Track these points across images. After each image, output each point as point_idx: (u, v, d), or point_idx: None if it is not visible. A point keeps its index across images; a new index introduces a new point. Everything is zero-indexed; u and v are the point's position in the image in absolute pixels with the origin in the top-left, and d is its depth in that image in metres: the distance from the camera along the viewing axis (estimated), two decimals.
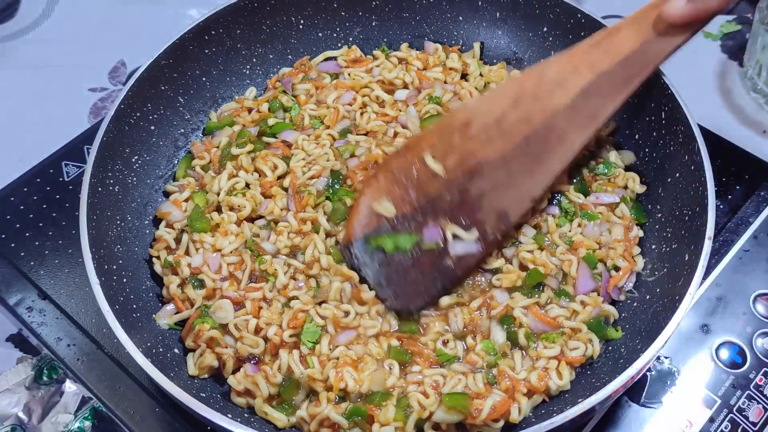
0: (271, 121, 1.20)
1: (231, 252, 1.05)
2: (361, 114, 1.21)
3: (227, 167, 1.14)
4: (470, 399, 0.91)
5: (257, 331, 0.98)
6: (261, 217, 1.09)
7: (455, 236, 1.00)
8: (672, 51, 0.98)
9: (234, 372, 0.98)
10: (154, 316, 1.03)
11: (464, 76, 1.29)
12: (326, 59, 1.31)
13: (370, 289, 0.99)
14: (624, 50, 0.98)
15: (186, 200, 1.12)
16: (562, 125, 1.00)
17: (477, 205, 1.00)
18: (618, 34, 0.99)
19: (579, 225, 1.08)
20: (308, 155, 1.15)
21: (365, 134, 1.19)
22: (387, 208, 1.01)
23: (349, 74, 1.27)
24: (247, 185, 1.12)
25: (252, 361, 0.97)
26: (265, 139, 1.19)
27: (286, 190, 1.10)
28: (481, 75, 1.28)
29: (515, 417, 0.92)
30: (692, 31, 0.96)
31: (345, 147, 1.15)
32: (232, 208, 1.10)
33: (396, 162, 1.04)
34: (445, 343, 0.98)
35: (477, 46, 1.32)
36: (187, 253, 1.07)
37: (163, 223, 1.12)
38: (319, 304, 1.00)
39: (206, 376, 0.99)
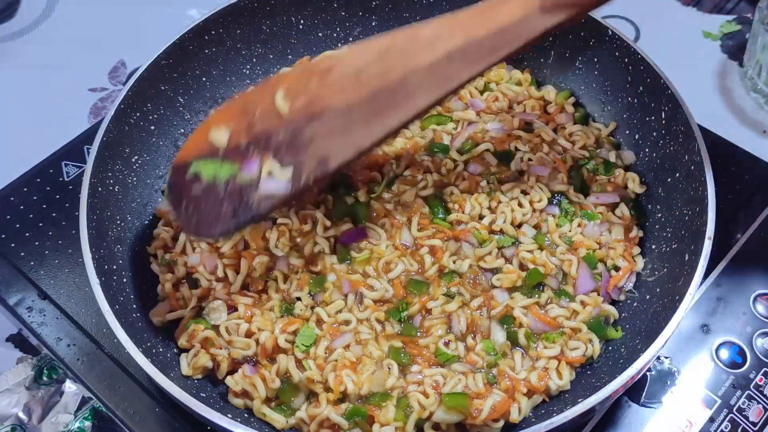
0: None
1: (227, 252, 1.05)
2: None
3: None
4: (470, 399, 0.91)
5: (249, 335, 0.99)
6: None
7: (270, 173, 0.97)
8: (548, 28, 0.94)
9: (230, 373, 0.98)
10: (149, 313, 1.03)
11: None
12: None
13: (173, 212, 1.01)
14: (504, 21, 0.95)
15: None
16: (415, 84, 0.97)
17: (304, 147, 0.98)
18: (505, 4, 0.96)
19: (579, 225, 1.08)
20: None
21: None
22: (220, 137, 1.00)
23: None
24: None
25: (250, 363, 0.97)
26: None
27: None
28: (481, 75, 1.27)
29: (515, 417, 0.92)
30: (576, 11, 0.93)
31: None
32: None
33: (250, 94, 1.04)
34: (446, 343, 0.98)
35: None
36: (183, 251, 1.07)
37: (161, 222, 1.12)
38: (316, 306, 1.01)
39: (200, 376, 0.99)
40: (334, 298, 1.01)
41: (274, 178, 0.97)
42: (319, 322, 1.00)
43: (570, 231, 1.07)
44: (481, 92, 1.25)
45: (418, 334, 0.99)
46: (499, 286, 1.02)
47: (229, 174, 0.98)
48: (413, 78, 0.97)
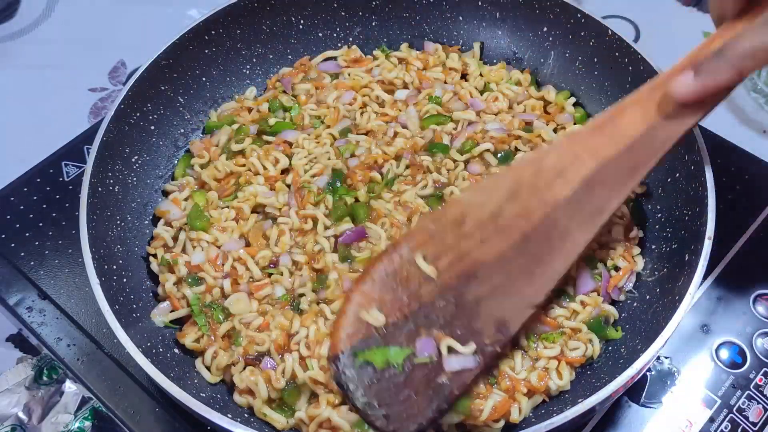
0: (271, 121, 1.20)
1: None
2: (362, 114, 1.21)
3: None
4: (470, 399, 0.91)
5: (261, 329, 0.98)
6: (256, 212, 1.10)
7: (450, 349, 0.89)
8: (684, 133, 0.89)
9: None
10: (150, 314, 1.03)
11: (464, 76, 1.29)
12: (326, 59, 1.31)
13: (357, 410, 0.88)
14: (630, 135, 0.89)
15: (185, 199, 1.12)
16: (564, 221, 0.91)
17: (474, 312, 0.90)
18: (622, 116, 0.91)
19: None
20: (310, 153, 1.15)
21: (365, 134, 1.19)
22: (376, 316, 0.90)
23: (349, 74, 1.27)
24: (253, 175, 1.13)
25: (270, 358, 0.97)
26: (265, 137, 1.19)
27: (288, 186, 1.11)
28: (481, 75, 1.28)
29: (515, 417, 0.92)
30: (704, 110, 0.87)
31: (345, 146, 1.15)
32: (237, 193, 1.11)
33: (385, 263, 0.94)
34: None
35: (477, 46, 1.32)
36: (183, 251, 1.07)
37: (161, 221, 1.12)
38: (318, 303, 1.00)
39: (221, 377, 0.99)
40: (337, 295, 1.01)
41: (458, 354, 0.89)
42: (326, 319, 1.00)
43: None
44: (481, 92, 1.25)
45: None
46: None
47: (404, 357, 0.88)
48: (559, 215, 0.91)
